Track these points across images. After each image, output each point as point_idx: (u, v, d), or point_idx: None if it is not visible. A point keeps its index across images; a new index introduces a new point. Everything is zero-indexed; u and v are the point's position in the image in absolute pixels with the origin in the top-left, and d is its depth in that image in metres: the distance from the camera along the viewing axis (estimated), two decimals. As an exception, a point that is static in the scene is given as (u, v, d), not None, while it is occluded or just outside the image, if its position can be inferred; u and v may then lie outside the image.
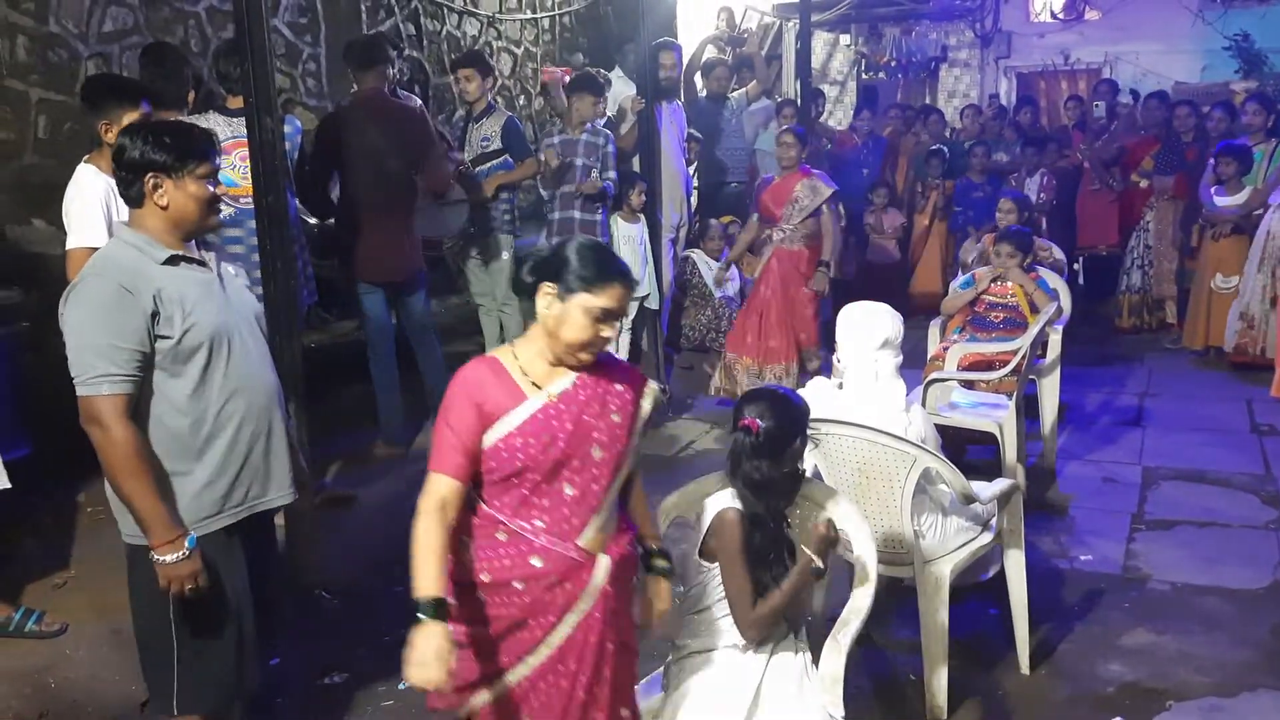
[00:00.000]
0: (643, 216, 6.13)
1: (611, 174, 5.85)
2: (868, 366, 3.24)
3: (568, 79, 6.79)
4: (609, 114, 6.86)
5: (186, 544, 2.34)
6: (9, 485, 3.35)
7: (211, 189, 2.45)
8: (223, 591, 2.44)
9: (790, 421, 2.47)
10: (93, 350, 2.26)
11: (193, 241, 2.49)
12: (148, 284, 2.32)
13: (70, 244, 3.36)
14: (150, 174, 2.37)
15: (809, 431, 2.56)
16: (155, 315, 2.31)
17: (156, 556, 2.31)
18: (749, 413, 2.45)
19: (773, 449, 2.43)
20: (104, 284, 2.30)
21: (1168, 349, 7.47)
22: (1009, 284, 5.35)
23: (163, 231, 2.41)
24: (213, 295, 2.45)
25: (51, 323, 2.37)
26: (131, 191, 2.40)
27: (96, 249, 2.68)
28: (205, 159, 2.44)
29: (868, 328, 3.26)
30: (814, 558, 2.40)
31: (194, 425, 2.39)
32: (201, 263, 2.47)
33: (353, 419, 5.17)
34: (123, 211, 2.70)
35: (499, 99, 7.25)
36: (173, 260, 2.39)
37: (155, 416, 2.36)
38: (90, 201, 3.36)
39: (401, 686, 3.44)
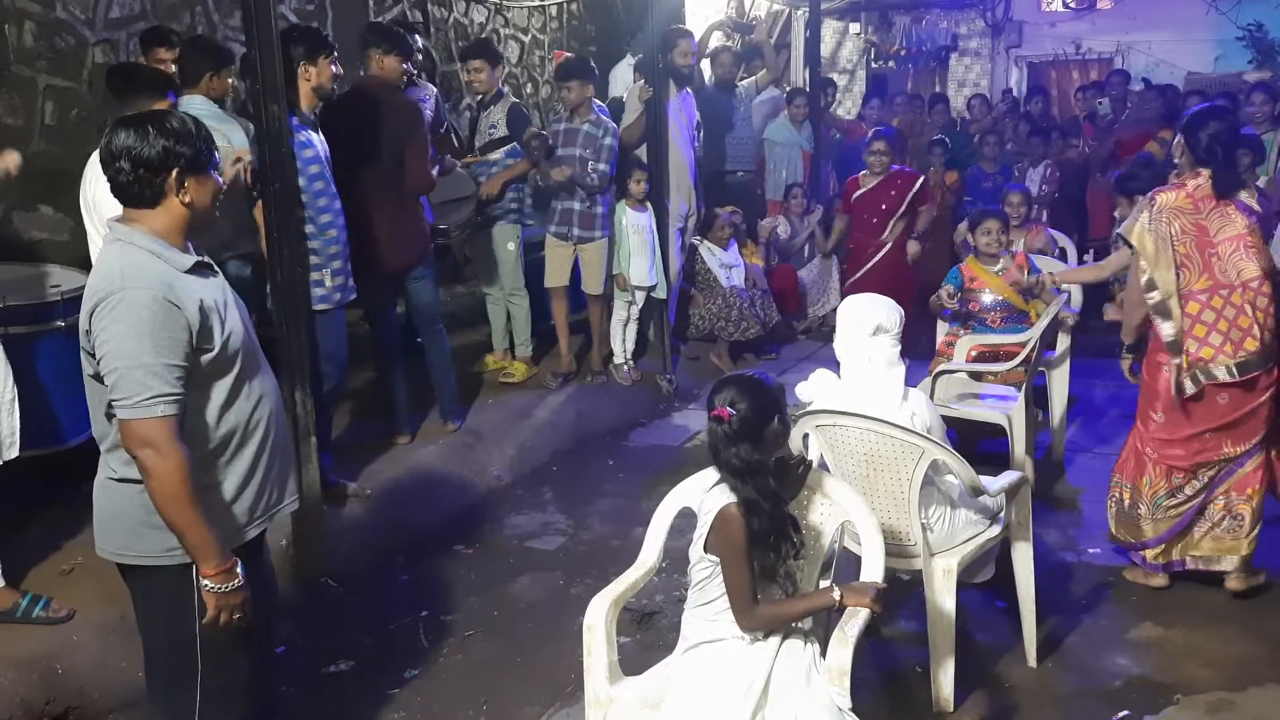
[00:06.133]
0: (650, 205, 6.10)
1: (603, 166, 5.71)
2: (862, 353, 3.24)
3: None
4: (620, 96, 6.81)
5: (239, 570, 2.25)
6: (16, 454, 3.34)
7: (220, 180, 2.35)
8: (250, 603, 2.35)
9: (762, 403, 2.44)
10: (145, 370, 2.10)
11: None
12: (188, 294, 2.18)
13: None
14: (176, 170, 2.21)
15: (791, 414, 2.53)
16: (201, 327, 2.18)
17: (210, 585, 2.21)
18: (718, 402, 2.45)
19: (750, 433, 2.41)
20: (146, 297, 2.12)
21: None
22: (986, 280, 5.16)
23: (174, 232, 2.25)
24: (231, 297, 2.34)
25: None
26: (147, 190, 2.21)
27: None
28: (215, 149, 2.34)
29: (863, 316, 3.25)
30: (837, 600, 2.43)
31: (226, 436, 2.28)
32: (209, 264, 2.34)
33: (359, 408, 5.16)
34: None
35: (506, 86, 7.20)
36: (196, 268, 2.26)
37: (189, 432, 2.20)
38: None
39: (408, 675, 3.45)
